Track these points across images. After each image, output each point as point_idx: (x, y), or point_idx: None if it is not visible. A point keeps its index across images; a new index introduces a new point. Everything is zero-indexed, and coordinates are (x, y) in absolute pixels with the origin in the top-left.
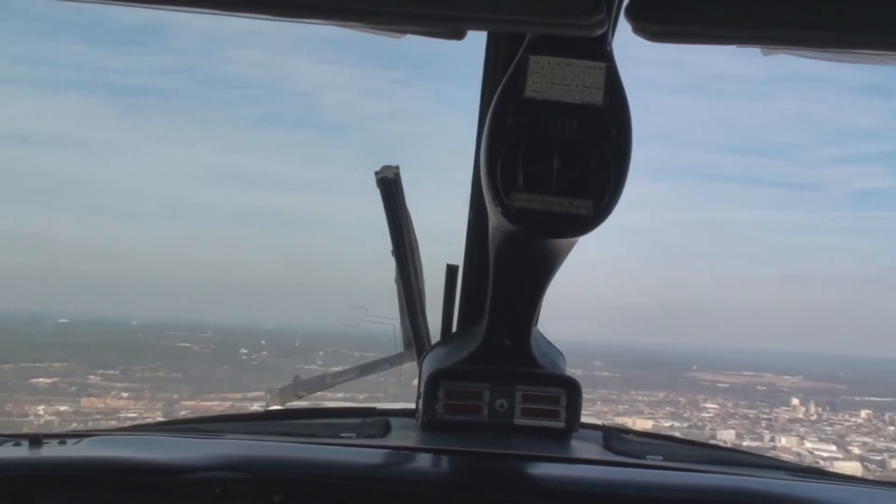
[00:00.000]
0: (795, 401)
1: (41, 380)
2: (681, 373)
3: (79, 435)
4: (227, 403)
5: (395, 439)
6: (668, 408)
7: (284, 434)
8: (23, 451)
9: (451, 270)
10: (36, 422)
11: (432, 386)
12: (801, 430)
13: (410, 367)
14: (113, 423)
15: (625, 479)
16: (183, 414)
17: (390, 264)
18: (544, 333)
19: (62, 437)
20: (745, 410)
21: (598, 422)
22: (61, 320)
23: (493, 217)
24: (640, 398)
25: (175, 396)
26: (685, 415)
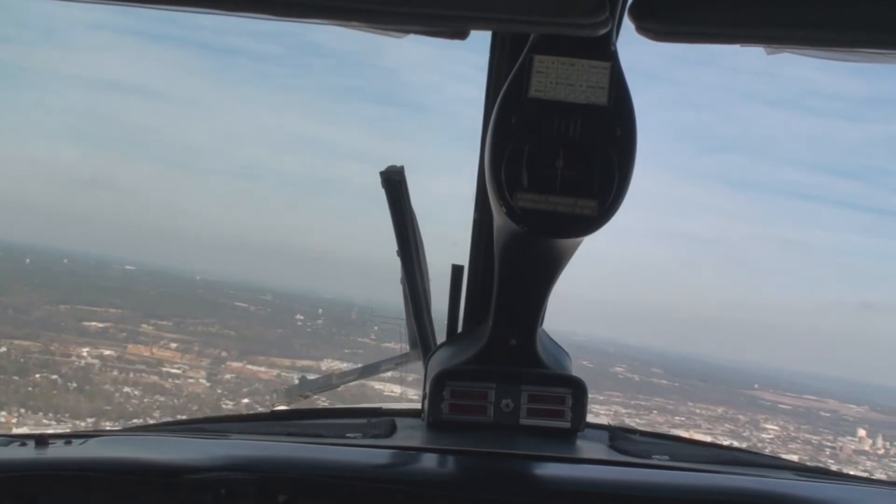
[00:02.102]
0: (862, 432)
1: (94, 323)
2: (742, 390)
3: (84, 435)
4: (274, 372)
5: (400, 439)
6: (726, 424)
7: (290, 434)
8: (28, 452)
9: (457, 270)
10: (77, 363)
11: (438, 386)
12: (868, 463)
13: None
14: (154, 379)
15: (631, 480)
16: (227, 378)
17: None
18: (556, 333)
19: (68, 438)
20: (807, 435)
21: (604, 422)
22: (128, 267)
23: (498, 217)
24: (697, 411)
25: (223, 354)
26: (744, 433)
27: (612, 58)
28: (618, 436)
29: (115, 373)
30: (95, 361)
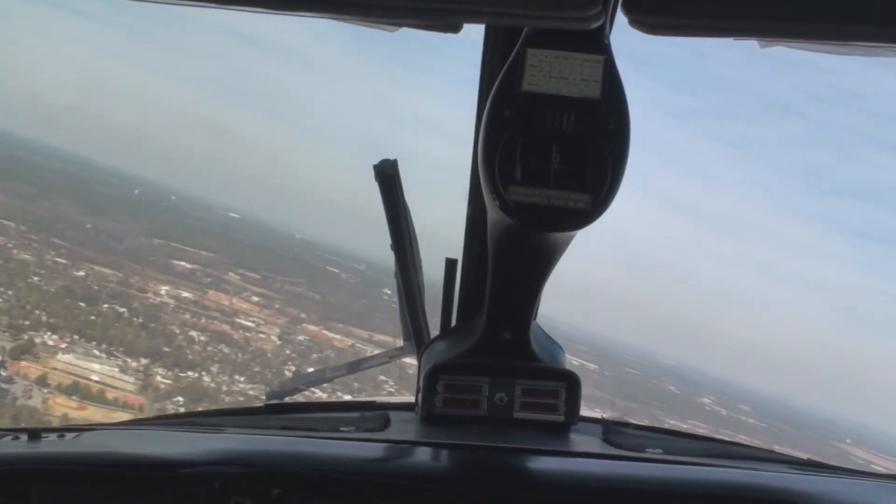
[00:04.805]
0: None
1: (182, 263)
2: (832, 442)
3: (77, 429)
4: (349, 341)
5: (394, 433)
6: None
7: (284, 428)
8: (21, 446)
9: (451, 264)
10: (151, 300)
11: (432, 380)
12: None
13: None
14: (224, 328)
15: (624, 473)
16: (300, 339)
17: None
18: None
19: (61, 432)
20: None
21: (598, 415)
22: (232, 214)
23: (492, 211)
24: None
25: (302, 316)
26: None
27: (606, 51)
28: (611, 429)
29: (187, 316)
30: (171, 301)
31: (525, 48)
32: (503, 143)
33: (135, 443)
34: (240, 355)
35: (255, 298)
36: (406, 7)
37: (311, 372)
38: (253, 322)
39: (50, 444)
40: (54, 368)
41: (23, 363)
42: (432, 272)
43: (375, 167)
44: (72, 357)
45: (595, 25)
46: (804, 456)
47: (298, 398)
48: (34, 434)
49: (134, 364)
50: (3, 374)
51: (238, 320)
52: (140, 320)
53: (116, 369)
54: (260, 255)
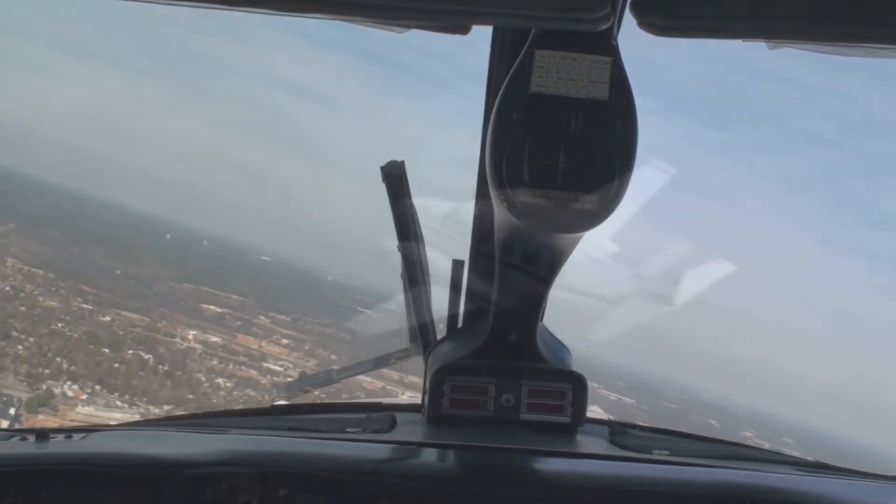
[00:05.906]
0: None
1: (212, 307)
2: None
3: (85, 430)
4: (379, 384)
5: (400, 434)
6: None
7: (290, 429)
8: (29, 447)
9: (457, 265)
10: (180, 345)
11: (438, 381)
12: None
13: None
14: (252, 374)
15: (630, 474)
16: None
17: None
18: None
19: (68, 432)
20: None
21: (604, 416)
22: (264, 258)
23: (499, 212)
24: None
25: (333, 357)
26: None
27: (614, 52)
28: (618, 430)
29: (214, 361)
30: (198, 346)
31: (533, 49)
32: (511, 144)
33: (142, 443)
34: (266, 397)
35: (284, 341)
36: (415, 9)
37: (317, 373)
38: (281, 366)
39: (58, 445)
40: (73, 422)
41: (40, 416)
42: (439, 273)
43: (382, 168)
44: (92, 409)
45: (604, 27)
46: (810, 457)
47: (304, 399)
48: (42, 435)
49: (156, 411)
50: (18, 428)
51: (266, 364)
52: (165, 367)
53: (138, 418)
54: (290, 297)
